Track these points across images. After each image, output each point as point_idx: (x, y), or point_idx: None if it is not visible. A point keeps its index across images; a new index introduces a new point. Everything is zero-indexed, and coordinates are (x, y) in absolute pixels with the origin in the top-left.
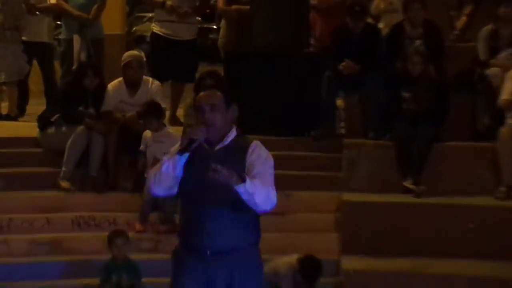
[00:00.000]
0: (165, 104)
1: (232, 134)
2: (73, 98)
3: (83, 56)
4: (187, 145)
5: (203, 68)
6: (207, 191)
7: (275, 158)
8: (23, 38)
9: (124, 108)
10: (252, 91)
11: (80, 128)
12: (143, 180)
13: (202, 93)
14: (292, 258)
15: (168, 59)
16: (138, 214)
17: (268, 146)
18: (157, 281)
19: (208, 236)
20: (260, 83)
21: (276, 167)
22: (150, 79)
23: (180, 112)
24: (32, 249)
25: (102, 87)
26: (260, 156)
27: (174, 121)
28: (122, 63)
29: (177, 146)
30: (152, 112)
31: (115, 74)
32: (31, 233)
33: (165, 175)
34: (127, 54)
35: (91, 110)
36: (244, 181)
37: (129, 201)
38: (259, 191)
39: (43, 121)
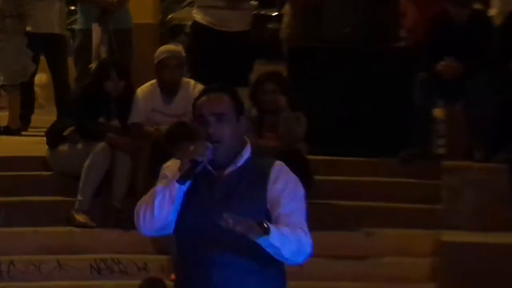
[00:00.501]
0: None
1: (247, 153)
2: (92, 106)
3: (104, 52)
4: (188, 170)
5: (260, 67)
6: (214, 231)
7: (351, 185)
8: (28, 28)
9: (158, 119)
10: (322, 97)
11: (101, 145)
12: None
13: (203, 98)
14: None
15: (215, 56)
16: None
17: (343, 169)
18: None
19: None
20: (333, 86)
21: (352, 197)
22: (192, 81)
23: None
24: None
25: (129, 93)
26: (287, 186)
27: None
28: (155, 61)
29: (174, 168)
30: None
31: (146, 76)
32: (38, 280)
33: (159, 209)
34: (162, 49)
35: (115, 122)
36: (267, 231)
37: (163, 240)
38: (289, 242)
39: (54, 136)
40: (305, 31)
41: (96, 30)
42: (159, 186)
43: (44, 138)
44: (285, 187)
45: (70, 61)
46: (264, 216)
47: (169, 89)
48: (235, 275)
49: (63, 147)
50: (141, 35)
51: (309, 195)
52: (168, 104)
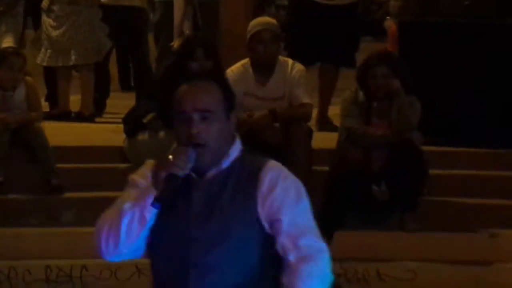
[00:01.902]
0: (310, 100)
1: (235, 151)
2: (176, 90)
3: (187, 27)
4: (165, 188)
5: (367, 46)
6: (193, 253)
7: (472, 180)
8: (103, 0)
9: (251, 104)
10: (439, 79)
11: None
12: None
13: (185, 89)
14: None
15: (316, 32)
16: None
17: (463, 161)
18: None
19: None
20: (451, 67)
21: (473, 193)
22: (290, 60)
23: (333, 111)
24: None
25: (219, 73)
26: (287, 195)
27: (324, 123)
28: (248, 36)
29: (146, 175)
30: None
31: (237, 54)
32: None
33: (126, 233)
34: (256, 22)
35: (234, 103)
36: None
37: None
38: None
39: (132, 124)
40: (419, 4)
41: (178, 2)
42: (127, 203)
43: (121, 126)
44: (284, 195)
45: (150, 39)
46: (253, 230)
47: (263, 68)
48: None
49: (143, 136)
50: (230, 7)
51: (424, 191)
52: (262, 86)
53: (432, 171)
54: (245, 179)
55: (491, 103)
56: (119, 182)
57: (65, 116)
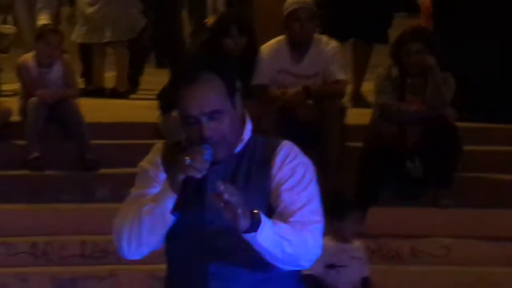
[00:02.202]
0: (345, 75)
1: (247, 134)
2: None
3: (221, 4)
4: (182, 195)
5: (400, 22)
6: (210, 236)
7: (506, 156)
8: None
9: (285, 81)
10: (473, 54)
11: None
12: None
13: (187, 93)
14: None
15: (349, 9)
16: None
17: (497, 137)
18: None
19: None
20: (487, 42)
21: (507, 169)
22: (324, 37)
23: (367, 87)
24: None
25: (253, 51)
26: (295, 174)
27: (358, 100)
28: (285, 13)
29: (155, 168)
30: None
31: (271, 32)
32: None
33: (148, 235)
34: (292, 0)
35: (237, 84)
36: (254, 227)
37: None
38: (283, 245)
39: (166, 100)
40: None
41: None
42: (146, 205)
43: (156, 102)
44: (291, 175)
45: (185, 15)
46: (268, 213)
47: (299, 46)
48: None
49: (177, 112)
50: None
51: (458, 167)
52: (297, 63)
53: (466, 147)
54: (259, 161)
55: None
56: None
57: (99, 92)
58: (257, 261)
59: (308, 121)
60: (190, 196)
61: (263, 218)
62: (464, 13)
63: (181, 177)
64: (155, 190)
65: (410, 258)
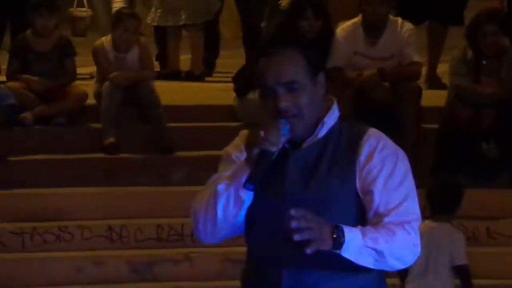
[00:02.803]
0: (420, 58)
1: (332, 118)
2: None
3: None
4: (258, 166)
5: (475, 4)
6: (288, 225)
7: None
8: None
9: (360, 63)
10: None
11: None
12: None
13: (265, 62)
14: None
15: None
16: None
17: None
18: None
19: None
20: None
21: None
22: (399, 19)
23: (442, 69)
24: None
25: (328, 33)
26: (384, 164)
27: (434, 82)
28: None
29: (240, 150)
30: None
31: (345, 14)
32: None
33: (223, 215)
34: None
35: (322, 65)
36: (339, 246)
37: None
38: (372, 254)
39: (242, 83)
40: None
41: None
42: (221, 183)
43: (231, 85)
44: (380, 168)
45: None
46: (353, 205)
47: (373, 28)
48: (312, 281)
49: (253, 95)
50: None
51: None
52: (372, 45)
53: None
54: (344, 148)
55: None
56: (230, 140)
57: (175, 75)
58: (334, 257)
59: (384, 103)
60: (264, 169)
61: (348, 235)
62: None
63: (256, 150)
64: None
65: (486, 240)
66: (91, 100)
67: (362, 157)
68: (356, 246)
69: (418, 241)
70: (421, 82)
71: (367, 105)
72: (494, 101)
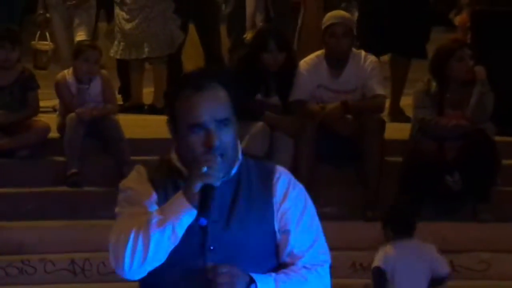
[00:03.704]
0: (384, 91)
1: (240, 157)
2: (248, 81)
3: (260, 19)
4: (205, 201)
5: (437, 36)
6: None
7: None
8: None
9: (324, 96)
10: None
11: (259, 125)
12: None
13: (196, 98)
14: None
15: (387, 22)
16: None
17: None
18: None
19: None
20: None
21: None
22: (363, 52)
23: (406, 101)
24: None
25: (291, 66)
26: (296, 204)
27: (397, 115)
28: (322, 28)
29: (140, 189)
30: None
31: (309, 47)
32: None
33: (154, 251)
34: (330, 15)
35: (275, 99)
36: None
37: None
38: None
39: None
40: None
41: None
42: (154, 218)
43: None
44: (295, 207)
45: (223, 31)
46: (271, 243)
47: (336, 61)
48: None
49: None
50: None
51: (497, 182)
52: (335, 78)
53: (505, 161)
54: (257, 187)
55: None
56: None
57: (138, 108)
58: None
59: (347, 135)
60: (210, 203)
61: (261, 282)
62: (501, 27)
63: (199, 185)
64: (151, 207)
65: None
66: (54, 134)
67: (278, 197)
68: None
69: (329, 282)
70: (385, 114)
71: (330, 138)
72: (459, 133)
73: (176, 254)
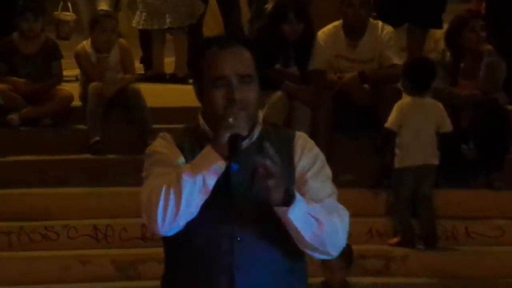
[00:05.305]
0: (400, 61)
1: (260, 122)
2: (268, 51)
3: None
4: (234, 149)
5: (453, 7)
6: (240, 225)
7: None
8: None
9: (341, 66)
10: None
11: (277, 95)
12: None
13: (221, 53)
14: None
15: None
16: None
17: None
18: None
19: None
20: None
21: None
22: (380, 23)
23: None
24: None
25: (310, 36)
26: (315, 161)
27: None
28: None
29: (165, 150)
30: (420, 71)
31: (327, 17)
32: None
33: (186, 203)
34: None
35: (294, 69)
36: (288, 202)
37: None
38: (315, 226)
39: None
40: None
41: None
42: (185, 172)
43: None
44: (313, 163)
45: (243, 1)
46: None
47: (354, 31)
48: (261, 277)
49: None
50: None
51: (508, 150)
52: (353, 48)
53: None
54: (279, 149)
55: None
56: None
57: (159, 77)
58: (281, 237)
59: (364, 105)
60: (240, 151)
61: (298, 195)
62: None
63: (226, 136)
64: (179, 167)
65: (465, 239)
66: (76, 102)
67: (297, 155)
68: (302, 209)
69: (347, 230)
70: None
71: (348, 107)
72: (472, 102)
73: (203, 217)
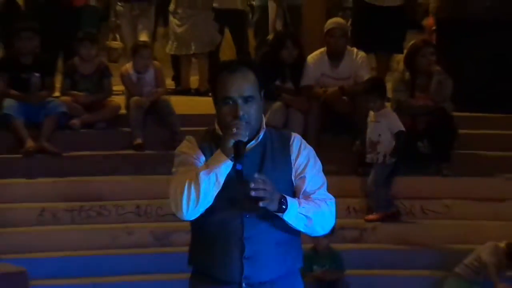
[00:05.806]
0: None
1: (264, 126)
2: (270, 71)
3: (279, 25)
4: (238, 152)
5: (410, 36)
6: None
7: (489, 137)
8: (214, 5)
9: (325, 82)
10: (466, 63)
11: (277, 104)
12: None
13: (228, 77)
14: (500, 243)
15: (374, 27)
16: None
17: (492, 124)
18: (361, 273)
19: (248, 263)
20: (479, 55)
21: (490, 147)
22: (355, 49)
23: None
24: None
25: (302, 59)
26: (309, 158)
27: None
28: (324, 31)
29: (191, 152)
30: (377, 89)
31: (314, 45)
32: None
33: (204, 195)
34: (330, 21)
35: (289, 85)
36: (282, 210)
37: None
38: (306, 219)
39: None
40: (453, 3)
41: (272, 7)
42: (202, 171)
43: None
44: (307, 161)
45: (250, 33)
46: (289, 189)
47: (335, 56)
48: (267, 246)
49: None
50: (310, 10)
51: (455, 146)
52: (335, 68)
53: (461, 131)
54: (278, 148)
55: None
56: None
57: (186, 92)
58: (283, 221)
59: (344, 112)
60: (243, 153)
61: (289, 202)
62: (459, 31)
63: (231, 142)
64: (199, 166)
65: (420, 215)
66: (123, 110)
67: (294, 154)
68: (294, 212)
69: (334, 214)
70: None
71: (331, 114)
72: (425, 111)
73: (218, 204)
